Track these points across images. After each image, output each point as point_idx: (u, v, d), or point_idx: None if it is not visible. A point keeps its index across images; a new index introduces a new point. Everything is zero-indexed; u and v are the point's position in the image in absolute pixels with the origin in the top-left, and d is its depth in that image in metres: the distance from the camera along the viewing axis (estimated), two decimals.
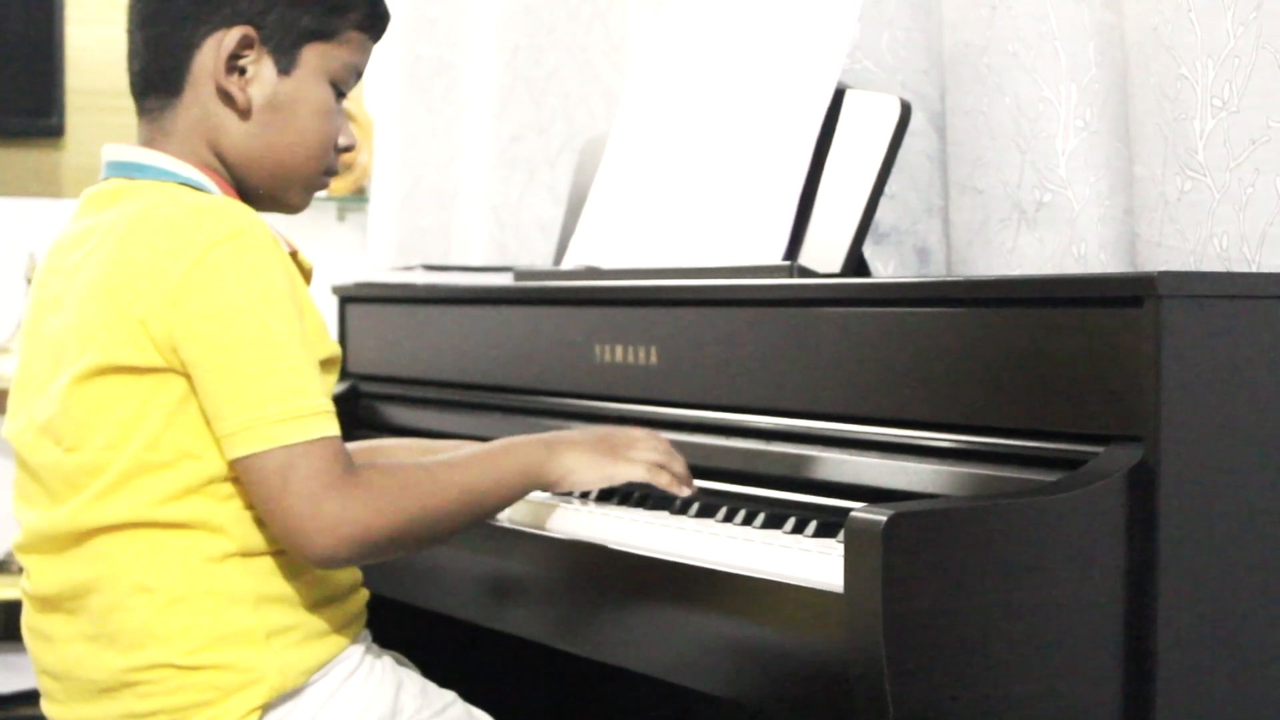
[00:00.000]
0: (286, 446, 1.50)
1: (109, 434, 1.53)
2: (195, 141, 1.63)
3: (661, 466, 1.76)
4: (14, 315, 3.78)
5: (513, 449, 1.69)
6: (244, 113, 1.63)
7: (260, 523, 1.55)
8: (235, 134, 1.64)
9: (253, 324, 1.50)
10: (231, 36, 1.61)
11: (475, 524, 1.65)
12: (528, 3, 2.95)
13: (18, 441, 1.62)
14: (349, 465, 1.53)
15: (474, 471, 1.64)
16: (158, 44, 1.63)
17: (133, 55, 1.66)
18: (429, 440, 1.96)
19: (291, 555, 1.54)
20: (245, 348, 1.50)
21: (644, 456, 1.76)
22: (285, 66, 1.64)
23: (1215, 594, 1.44)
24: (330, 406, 1.53)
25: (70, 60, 3.91)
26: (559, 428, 1.97)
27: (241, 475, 1.52)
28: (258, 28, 1.62)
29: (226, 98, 1.62)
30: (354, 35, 1.68)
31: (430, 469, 1.61)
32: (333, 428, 1.52)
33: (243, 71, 1.62)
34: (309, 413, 1.51)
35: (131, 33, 1.66)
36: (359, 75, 1.72)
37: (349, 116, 1.73)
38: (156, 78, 1.64)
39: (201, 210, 1.55)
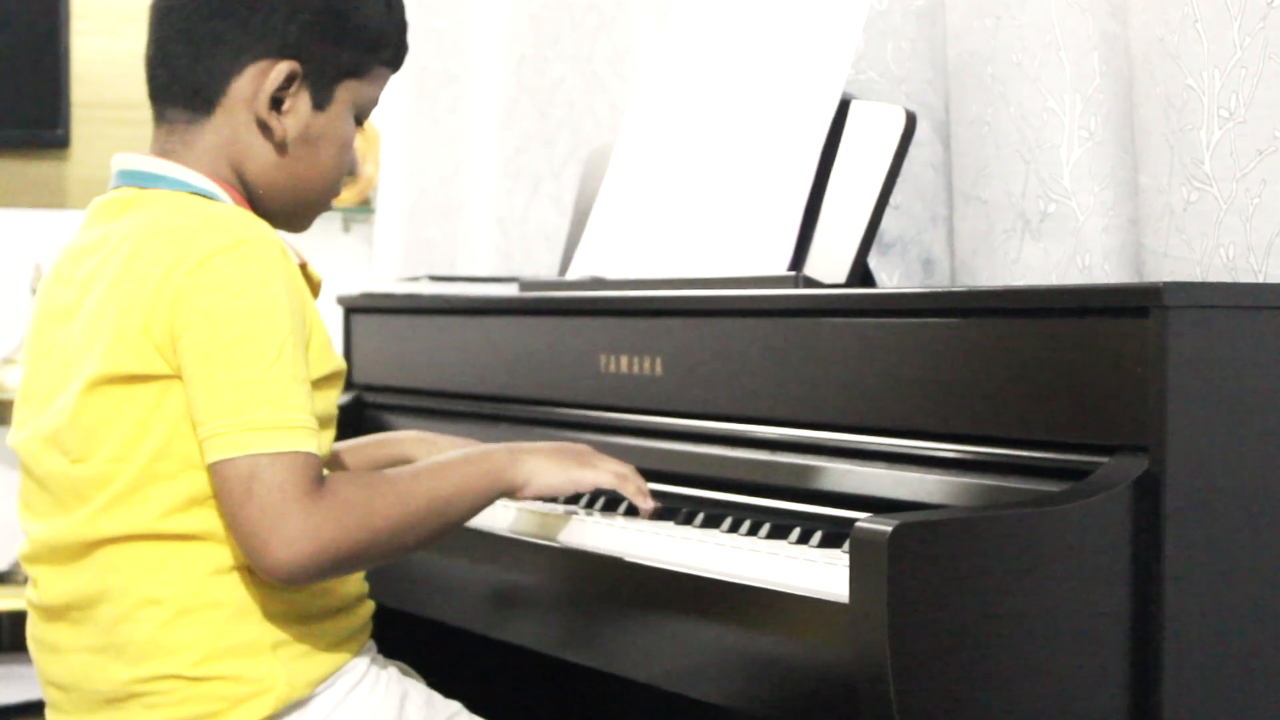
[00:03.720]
0: (253, 455, 1.48)
1: (116, 445, 1.53)
2: (218, 160, 1.63)
3: (625, 477, 1.77)
4: (19, 327, 3.79)
5: (476, 457, 1.69)
6: (279, 145, 1.63)
7: None
8: (263, 162, 1.64)
9: (242, 332, 1.50)
10: (279, 71, 1.61)
11: (443, 533, 1.63)
12: (533, 13, 2.95)
13: (24, 451, 1.62)
14: (317, 481, 1.50)
15: (438, 481, 1.62)
16: (194, 61, 1.62)
17: (159, 64, 1.65)
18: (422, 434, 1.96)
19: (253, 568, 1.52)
20: (230, 354, 1.49)
21: (609, 466, 1.76)
22: (321, 102, 1.65)
23: (1221, 603, 1.44)
24: (312, 424, 1.51)
25: (75, 72, 3.91)
26: (564, 438, 1.98)
27: (213, 482, 1.51)
28: (302, 63, 1.62)
29: (264, 128, 1.62)
30: (381, 70, 1.70)
31: (394, 481, 1.59)
32: (308, 444, 1.50)
33: (279, 103, 1.63)
34: (284, 425, 1.49)
35: (162, 42, 1.64)
36: (376, 105, 1.73)
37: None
38: (186, 92, 1.63)
39: (211, 220, 1.55)
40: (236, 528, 1.49)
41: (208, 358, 1.50)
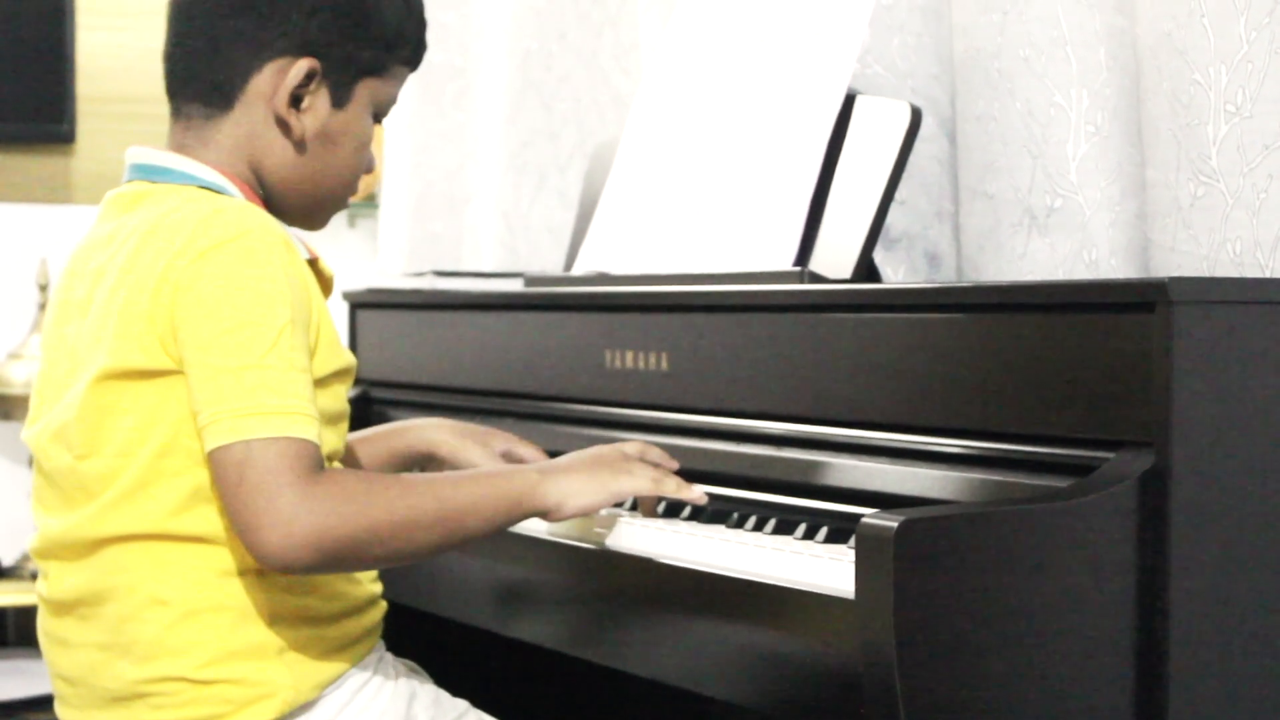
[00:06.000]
0: (247, 441, 1.46)
1: (121, 440, 1.53)
2: (235, 156, 1.62)
3: (660, 480, 1.71)
4: (26, 321, 3.79)
5: (504, 474, 1.64)
6: (298, 143, 1.63)
7: None
8: (282, 159, 1.63)
9: (239, 321, 1.48)
10: (299, 69, 1.61)
11: (454, 545, 1.57)
12: (538, 8, 2.95)
13: (35, 447, 1.62)
14: (315, 468, 1.47)
15: (454, 490, 1.57)
16: (213, 57, 1.62)
17: (178, 60, 1.64)
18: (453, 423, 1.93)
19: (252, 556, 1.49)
20: (226, 342, 1.48)
21: (644, 469, 1.71)
22: (340, 100, 1.64)
23: (1227, 598, 1.44)
24: (311, 411, 1.49)
25: (81, 67, 3.92)
26: (569, 434, 1.98)
27: (211, 471, 1.49)
28: (322, 60, 1.62)
29: (283, 126, 1.62)
30: (400, 69, 1.69)
31: (406, 480, 1.56)
32: (305, 430, 1.48)
33: (298, 101, 1.62)
34: (279, 411, 1.47)
35: (181, 38, 1.64)
36: (394, 104, 1.72)
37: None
38: (205, 88, 1.62)
39: (214, 214, 1.54)
40: (232, 515, 1.47)
41: (205, 347, 1.49)
